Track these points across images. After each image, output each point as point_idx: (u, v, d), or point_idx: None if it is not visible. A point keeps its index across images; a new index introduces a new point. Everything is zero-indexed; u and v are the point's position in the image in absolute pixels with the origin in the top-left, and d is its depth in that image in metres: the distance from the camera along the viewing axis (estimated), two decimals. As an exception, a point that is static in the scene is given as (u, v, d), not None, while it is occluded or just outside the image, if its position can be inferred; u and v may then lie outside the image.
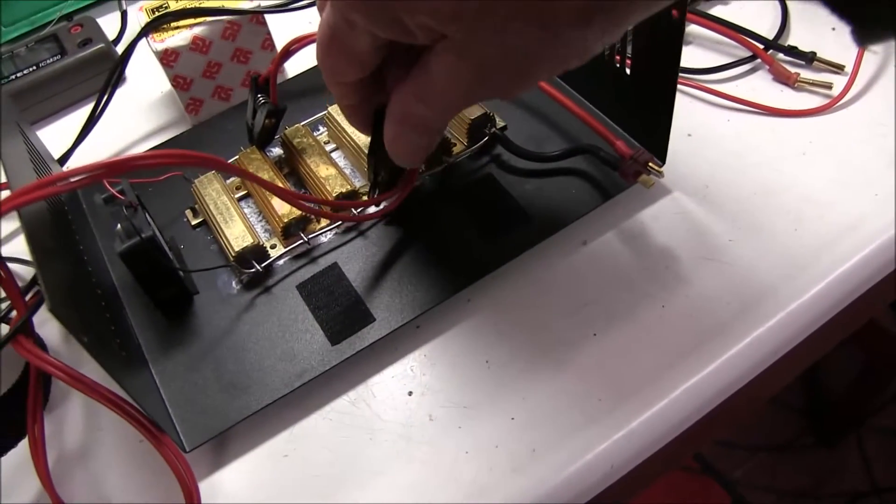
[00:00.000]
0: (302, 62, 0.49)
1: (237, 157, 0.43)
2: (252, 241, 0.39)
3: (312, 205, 0.39)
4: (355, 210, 0.41)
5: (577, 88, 0.45)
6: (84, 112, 0.54)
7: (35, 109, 0.54)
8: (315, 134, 0.45)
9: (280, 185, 0.41)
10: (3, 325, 0.40)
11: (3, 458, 0.35)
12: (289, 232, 0.40)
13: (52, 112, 0.55)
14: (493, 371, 0.37)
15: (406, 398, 0.36)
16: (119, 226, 0.36)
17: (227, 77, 0.49)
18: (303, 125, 0.45)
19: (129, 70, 0.55)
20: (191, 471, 0.34)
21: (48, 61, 0.53)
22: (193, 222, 0.43)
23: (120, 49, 0.57)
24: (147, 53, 0.49)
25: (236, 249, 0.39)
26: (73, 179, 0.27)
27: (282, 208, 0.40)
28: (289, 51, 0.42)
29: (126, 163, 0.28)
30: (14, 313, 0.38)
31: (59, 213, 0.39)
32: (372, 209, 0.40)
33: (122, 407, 0.33)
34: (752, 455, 1.13)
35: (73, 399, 0.39)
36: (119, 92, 0.52)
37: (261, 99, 0.43)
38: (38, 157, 0.42)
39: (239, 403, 0.35)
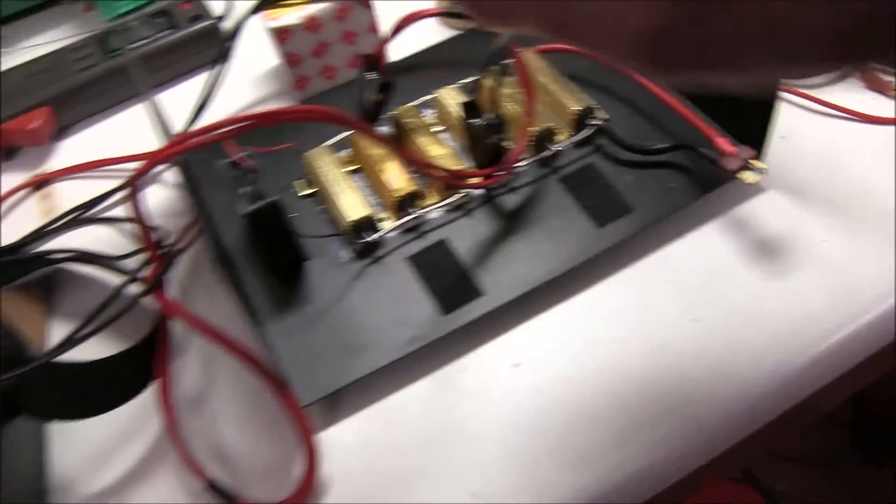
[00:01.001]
0: (402, 48, 0.50)
1: (350, 133, 0.45)
2: (367, 212, 0.41)
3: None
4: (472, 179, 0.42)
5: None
6: (187, 86, 0.57)
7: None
8: (422, 116, 0.47)
9: (398, 158, 0.42)
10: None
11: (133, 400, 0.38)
12: (401, 206, 0.42)
13: (158, 84, 0.57)
14: (595, 348, 0.38)
15: (511, 370, 0.38)
16: (245, 189, 0.38)
17: (335, 57, 0.51)
18: (412, 106, 0.46)
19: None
20: (310, 423, 0.35)
21: (160, 35, 0.56)
22: (305, 192, 0.44)
23: (228, 26, 0.59)
24: (249, 30, 0.50)
25: (351, 219, 0.40)
26: (226, 129, 0.30)
27: (395, 183, 0.41)
28: (402, 26, 0.43)
29: (277, 115, 0.31)
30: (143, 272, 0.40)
31: (188, 176, 0.41)
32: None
33: (251, 358, 0.35)
34: (797, 468, 1.12)
35: (191, 351, 0.41)
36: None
37: (371, 75, 0.45)
38: (163, 124, 0.44)
39: (352, 365, 0.37)
